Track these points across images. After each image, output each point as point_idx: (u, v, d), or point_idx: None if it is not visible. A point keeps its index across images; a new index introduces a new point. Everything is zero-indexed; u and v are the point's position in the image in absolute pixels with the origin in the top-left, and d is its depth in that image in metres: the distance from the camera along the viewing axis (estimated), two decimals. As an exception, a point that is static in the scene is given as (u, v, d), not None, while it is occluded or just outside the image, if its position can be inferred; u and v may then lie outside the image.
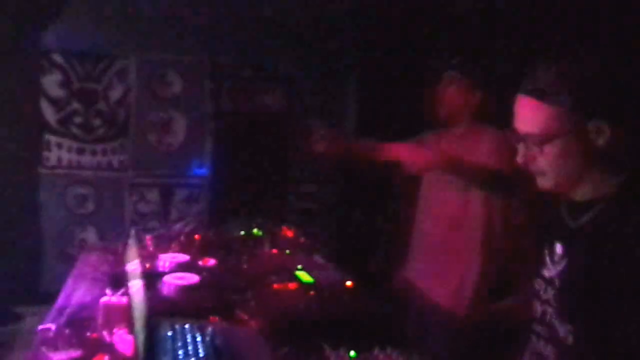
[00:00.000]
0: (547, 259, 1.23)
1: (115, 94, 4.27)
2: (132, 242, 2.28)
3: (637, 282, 1.03)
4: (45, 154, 4.17)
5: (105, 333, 1.44)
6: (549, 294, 1.21)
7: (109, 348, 1.38)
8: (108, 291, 1.74)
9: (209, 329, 1.21)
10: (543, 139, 1.15)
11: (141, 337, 0.91)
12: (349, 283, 1.83)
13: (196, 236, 2.36)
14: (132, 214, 4.36)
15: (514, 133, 1.21)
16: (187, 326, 1.23)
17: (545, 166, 1.17)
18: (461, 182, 2.08)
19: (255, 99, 4.31)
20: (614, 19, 2.31)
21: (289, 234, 2.50)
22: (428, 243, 2.25)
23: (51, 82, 4.14)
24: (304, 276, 1.92)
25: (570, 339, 1.13)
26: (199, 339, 1.16)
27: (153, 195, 4.38)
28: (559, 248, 1.21)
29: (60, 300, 1.77)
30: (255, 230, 2.40)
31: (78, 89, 4.21)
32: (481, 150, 2.07)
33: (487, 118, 2.21)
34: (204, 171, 4.44)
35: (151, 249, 2.27)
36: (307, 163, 4.45)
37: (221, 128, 4.31)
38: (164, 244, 2.30)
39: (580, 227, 1.18)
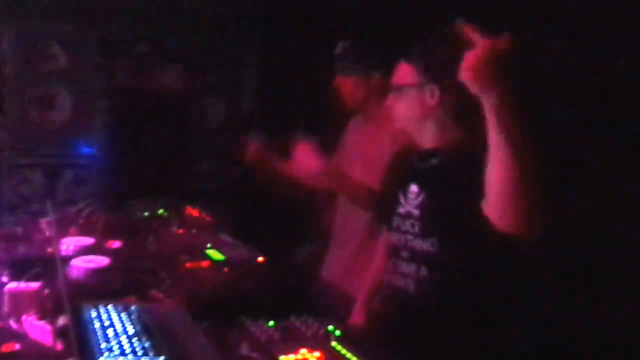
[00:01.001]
0: (401, 198, 1.56)
1: (-11, 65, 3.90)
2: (28, 226, 2.17)
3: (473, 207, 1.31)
4: None
5: (12, 321, 1.38)
6: (407, 224, 1.53)
7: (19, 336, 1.34)
8: (5, 277, 1.66)
9: (132, 308, 1.23)
10: (398, 87, 1.54)
11: (69, 320, 0.92)
12: (260, 259, 1.91)
13: (96, 219, 2.29)
14: (12, 197, 4.05)
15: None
16: (109, 306, 1.23)
17: (398, 112, 1.55)
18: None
19: (151, 76, 4.15)
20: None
21: (194, 213, 2.51)
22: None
23: None
24: (215, 254, 1.96)
25: (436, 247, 1.46)
26: (124, 318, 1.17)
27: (36, 176, 4.09)
28: (413, 187, 1.54)
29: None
30: (160, 211, 2.38)
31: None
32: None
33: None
34: (92, 150, 4.22)
35: (47, 233, 2.17)
36: (202, 142, 4.41)
37: (113, 105, 4.11)
38: (61, 228, 2.21)
39: (428, 169, 1.52)
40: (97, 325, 1.12)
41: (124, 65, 4.12)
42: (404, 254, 1.54)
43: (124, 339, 1.06)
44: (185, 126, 4.30)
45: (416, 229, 1.51)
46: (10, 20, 3.90)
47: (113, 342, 1.04)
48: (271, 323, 1.40)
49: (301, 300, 1.61)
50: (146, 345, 1.05)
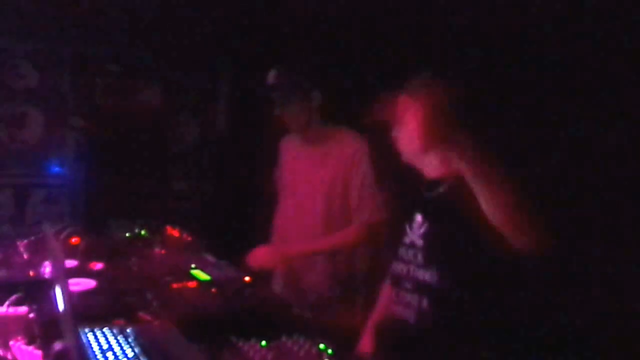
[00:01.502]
0: (407, 228, 1.57)
1: (-45, 83, 3.81)
2: (7, 249, 2.12)
3: (475, 236, 1.35)
4: None
5: (-1, 347, 1.35)
6: (410, 254, 1.53)
7: (7, 362, 1.31)
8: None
9: (128, 330, 1.22)
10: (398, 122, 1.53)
11: (74, 344, 0.92)
12: (247, 278, 1.91)
13: (74, 240, 2.25)
14: (-22, 219, 3.93)
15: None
16: (105, 329, 1.23)
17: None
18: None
19: (127, 94, 4.12)
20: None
21: (175, 233, 2.49)
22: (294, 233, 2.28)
23: None
24: (200, 274, 1.96)
25: (435, 279, 1.45)
26: (121, 340, 1.17)
27: (5, 196, 3.99)
28: (418, 217, 1.55)
29: None
30: (141, 232, 2.36)
31: None
32: (345, 154, 2.13)
33: (332, 118, 2.21)
34: (63, 170, 4.14)
35: (25, 255, 2.12)
36: (178, 161, 4.38)
37: (88, 124, 4.05)
38: (40, 250, 2.17)
39: (432, 199, 1.52)
40: (96, 348, 1.11)
41: (99, 84, 4.08)
42: (407, 284, 1.53)
43: (124, 362, 1.06)
44: (161, 145, 4.28)
45: (419, 259, 1.51)
46: (-21, 39, 3.83)
47: (114, 366, 1.04)
48: (263, 343, 1.41)
49: (291, 319, 1.62)
50: (147, 367, 1.05)
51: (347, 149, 2.15)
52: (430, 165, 1.53)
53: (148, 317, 1.57)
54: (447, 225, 1.46)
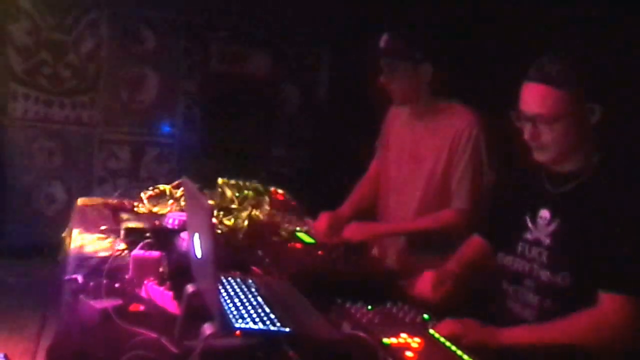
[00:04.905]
0: (529, 224, 1.48)
1: (86, 46, 4.16)
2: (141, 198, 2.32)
3: (622, 232, 1.30)
4: (11, 104, 4.04)
5: (134, 284, 1.52)
6: (534, 252, 1.45)
7: (141, 299, 1.47)
8: (120, 245, 1.82)
9: (250, 281, 1.32)
10: (552, 118, 1.37)
11: (215, 290, 1.01)
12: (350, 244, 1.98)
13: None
14: (100, 170, 4.33)
15: (520, 113, 1.42)
16: (230, 279, 1.34)
17: (550, 142, 1.40)
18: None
19: (238, 61, 4.30)
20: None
21: (280, 196, 2.60)
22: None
23: (18, 30, 3.98)
24: (306, 237, 2.05)
25: (567, 282, 1.37)
26: (245, 288, 1.27)
27: (123, 152, 4.35)
28: (545, 213, 1.44)
29: (73, 253, 1.81)
30: (249, 192, 2.49)
31: (47, 39, 4.06)
32: (454, 128, 2.03)
33: (444, 92, 2.09)
34: (174, 131, 4.43)
35: (149, 206, 2.33)
36: (279, 128, 4.52)
37: (201, 89, 4.29)
38: (160, 202, 2.36)
39: (565, 194, 1.41)
40: (224, 294, 1.22)
41: (213, 50, 4.29)
42: (529, 282, 1.47)
43: (250, 308, 1.16)
44: (266, 111, 4.43)
45: (543, 258, 1.43)
46: (106, 5, 4.13)
47: (243, 311, 1.13)
48: (369, 307, 1.46)
49: (394, 287, 1.67)
50: (271, 316, 1.14)
51: (459, 123, 2.03)
52: (571, 157, 1.42)
53: (260, 272, 1.68)
54: (584, 224, 1.36)
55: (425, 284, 1.59)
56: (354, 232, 2.12)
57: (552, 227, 1.43)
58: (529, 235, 1.48)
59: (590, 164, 1.41)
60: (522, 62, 1.45)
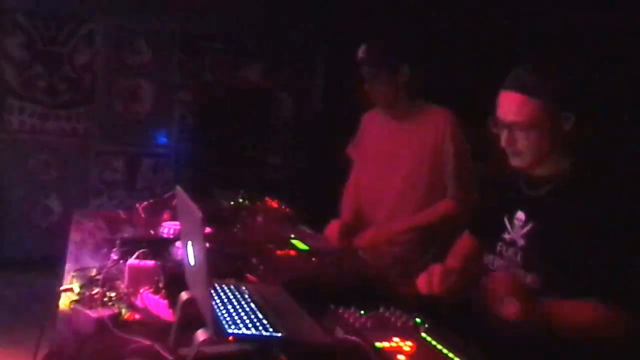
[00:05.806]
0: (507, 225, 1.51)
1: (81, 58, 4.19)
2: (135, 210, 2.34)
3: (590, 236, 1.33)
4: (7, 117, 4.06)
5: (129, 293, 1.53)
6: (510, 252, 1.49)
7: (137, 308, 1.48)
8: (115, 255, 1.83)
9: (243, 288, 1.34)
10: (527, 126, 1.40)
11: (208, 297, 1.03)
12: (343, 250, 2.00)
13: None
14: (96, 182, 4.34)
15: (496, 120, 1.46)
16: (223, 285, 1.36)
17: (525, 148, 1.44)
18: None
19: (232, 71, 4.33)
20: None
21: (273, 204, 2.63)
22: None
23: (13, 44, 4.00)
24: (300, 244, 2.08)
25: (537, 283, 1.40)
26: (238, 295, 1.29)
27: (119, 163, 4.37)
28: (520, 215, 1.49)
29: (70, 263, 1.83)
30: (244, 201, 2.52)
31: (42, 52, 4.09)
32: (435, 129, 2.14)
33: (420, 95, 2.21)
34: (169, 141, 4.45)
35: (143, 216, 2.34)
36: (274, 136, 4.55)
37: (195, 99, 4.31)
38: (155, 213, 2.38)
39: (539, 197, 1.45)
40: (217, 301, 1.24)
41: (207, 61, 4.32)
42: None
43: (243, 314, 1.18)
44: (261, 119, 4.46)
45: (518, 259, 1.47)
46: (101, 17, 4.17)
47: (236, 317, 1.15)
48: (362, 312, 1.48)
49: (387, 291, 1.68)
50: (264, 321, 1.16)
51: (438, 122, 2.14)
52: (542, 166, 1.45)
53: (254, 279, 1.70)
54: (555, 227, 1.40)
55: (433, 277, 1.59)
56: (372, 237, 2.18)
57: (526, 229, 1.47)
58: (506, 236, 1.52)
59: (563, 169, 1.45)
60: (498, 70, 1.50)
